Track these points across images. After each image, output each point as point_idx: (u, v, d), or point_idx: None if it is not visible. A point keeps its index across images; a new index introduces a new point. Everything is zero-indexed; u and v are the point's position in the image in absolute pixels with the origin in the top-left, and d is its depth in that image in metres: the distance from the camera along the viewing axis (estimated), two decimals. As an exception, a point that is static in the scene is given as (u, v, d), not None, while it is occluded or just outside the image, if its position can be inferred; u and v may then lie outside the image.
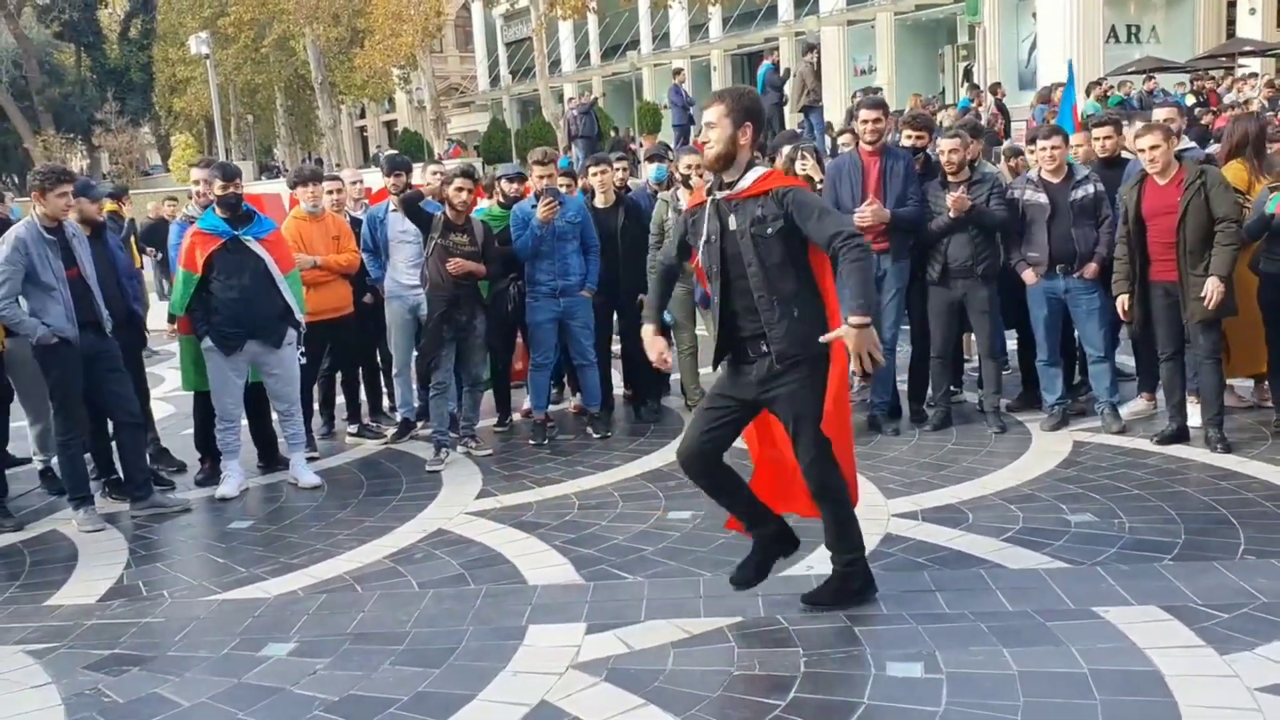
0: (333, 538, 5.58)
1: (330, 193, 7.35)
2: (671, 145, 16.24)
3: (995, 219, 6.44)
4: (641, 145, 19.43)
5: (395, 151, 16.25)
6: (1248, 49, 25.00)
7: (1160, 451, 6.04)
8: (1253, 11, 27.36)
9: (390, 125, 54.22)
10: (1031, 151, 6.97)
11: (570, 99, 25.57)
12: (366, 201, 8.42)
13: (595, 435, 7.23)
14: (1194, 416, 6.41)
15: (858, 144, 6.69)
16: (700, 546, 5.03)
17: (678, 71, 21.51)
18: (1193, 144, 6.46)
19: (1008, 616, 4.04)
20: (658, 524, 5.38)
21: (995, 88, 20.74)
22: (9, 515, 6.22)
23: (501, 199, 7.52)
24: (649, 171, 8.02)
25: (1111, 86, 20.33)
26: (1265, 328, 6.24)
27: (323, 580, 4.96)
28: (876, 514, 5.29)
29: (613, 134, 22.90)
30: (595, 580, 4.69)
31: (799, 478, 4.18)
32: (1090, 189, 6.34)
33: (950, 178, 6.50)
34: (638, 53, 35.16)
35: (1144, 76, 21.89)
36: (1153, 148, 5.89)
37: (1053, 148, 6.36)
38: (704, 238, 4.05)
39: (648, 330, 4.30)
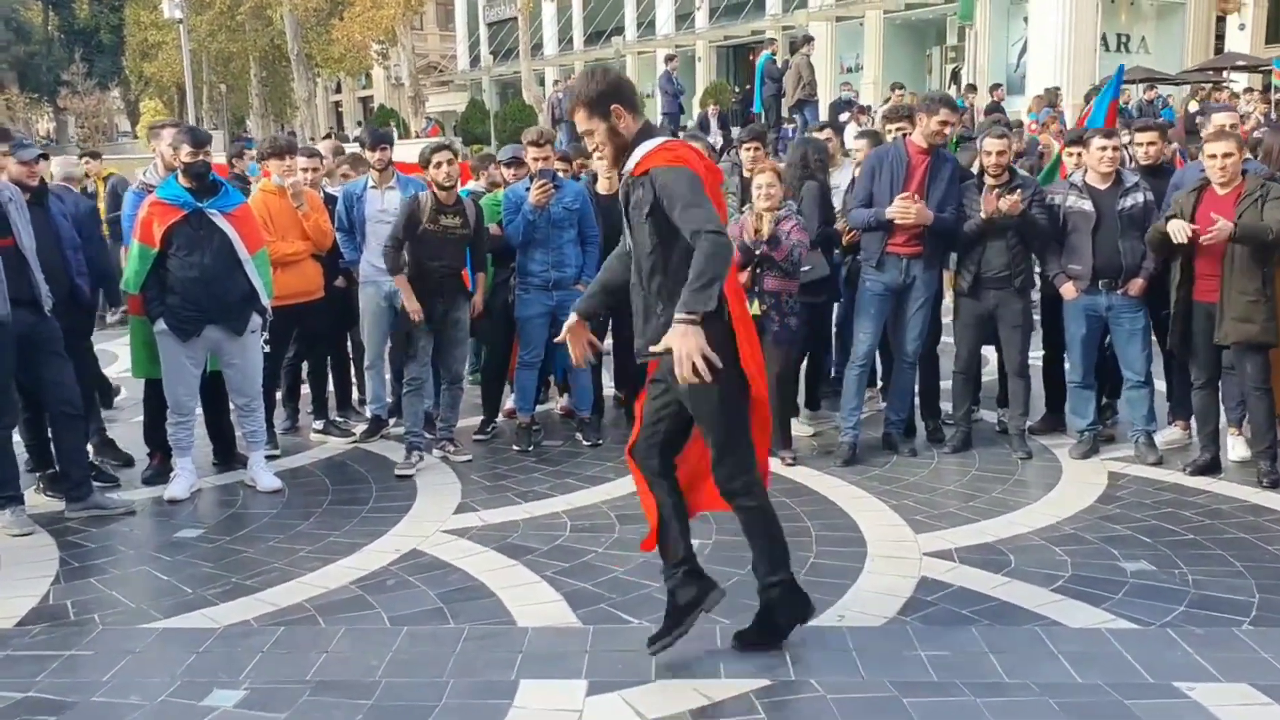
0: (293, 554, 4.94)
1: (306, 170, 6.67)
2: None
3: (1041, 227, 5.89)
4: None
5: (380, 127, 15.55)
6: (1240, 64, 24.80)
7: (1206, 489, 5.54)
8: (1242, 27, 27.24)
9: (366, 101, 53.24)
10: (1072, 154, 6.44)
11: (556, 82, 24.87)
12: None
13: (585, 442, 6.63)
14: (1233, 449, 5.95)
15: (905, 136, 6.11)
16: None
17: (670, 58, 20.93)
18: (1248, 155, 5.94)
19: (1078, 690, 3.49)
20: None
21: (995, 89, 20.26)
22: None
23: (502, 183, 6.88)
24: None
25: (1097, 90, 19.93)
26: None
27: (280, 609, 4.32)
28: (906, 551, 4.75)
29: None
30: (595, 624, 4.09)
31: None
32: (1140, 198, 5.81)
33: (991, 180, 5.95)
34: (622, 39, 34.50)
35: (1144, 85, 21.54)
36: (1225, 155, 5.38)
37: (1113, 149, 5.81)
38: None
39: (571, 319, 3.83)
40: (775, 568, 3.75)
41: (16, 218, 5.26)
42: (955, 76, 25.39)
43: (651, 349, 3.51)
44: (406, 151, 9.02)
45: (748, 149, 6.87)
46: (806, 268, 6.06)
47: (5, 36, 42.12)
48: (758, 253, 5.85)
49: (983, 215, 5.79)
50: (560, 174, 6.69)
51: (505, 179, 6.88)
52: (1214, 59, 26.19)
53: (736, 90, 28.26)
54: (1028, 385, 6.22)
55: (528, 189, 6.35)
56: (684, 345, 3.25)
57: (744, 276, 5.90)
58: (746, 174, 6.68)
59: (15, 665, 3.86)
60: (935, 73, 27.87)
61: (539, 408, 7.01)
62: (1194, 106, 18.76)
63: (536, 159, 6.55)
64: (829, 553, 4.75)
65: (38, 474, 5.91)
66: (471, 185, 8.10)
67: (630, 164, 3.55)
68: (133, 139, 43.20)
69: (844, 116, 15.18)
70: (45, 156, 5.85)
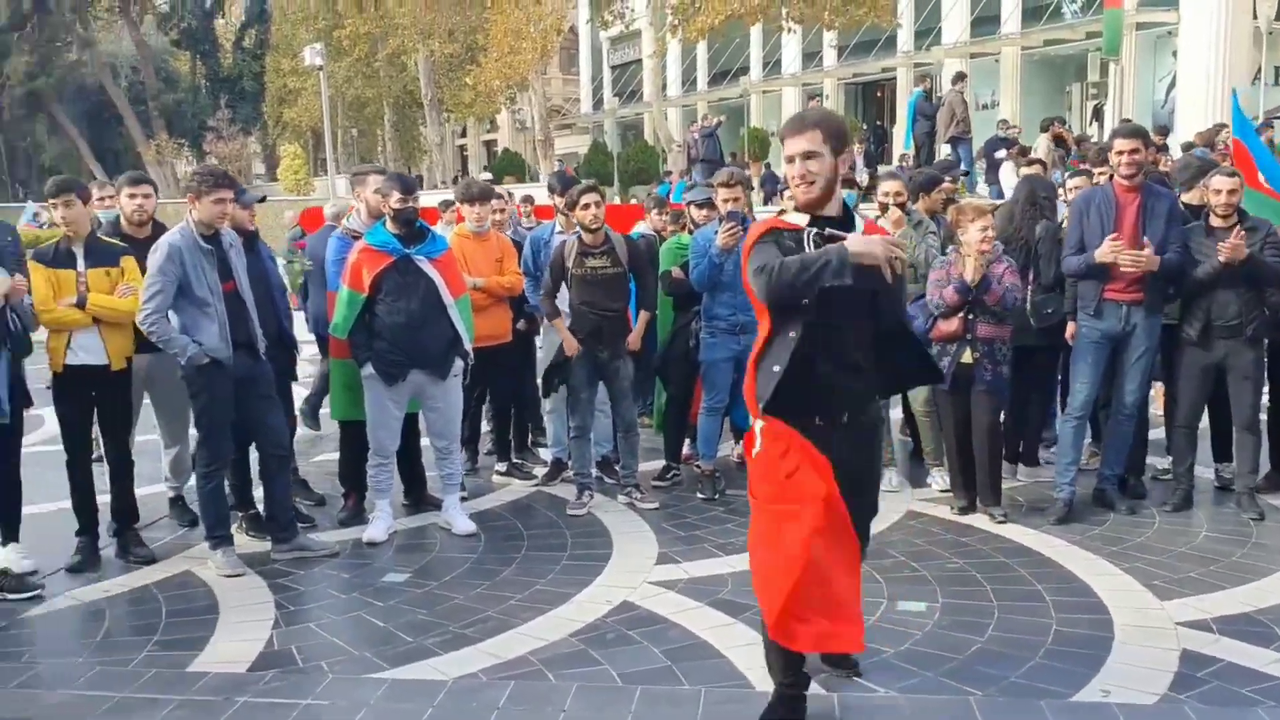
0: (504, 602, 4.87)
1: (496, 211, 6.70)
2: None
3: (1272, 271, 5.54)
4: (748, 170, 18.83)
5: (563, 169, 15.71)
6: None
7: None
8: None
9: (489, 145, 54.32)
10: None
11: (693, 123, 24.92)
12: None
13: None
14: None
15: (1111, 177, 5.83)
16: (953, 652, 4.19)
17: (812, 97, 20.76)
18: None
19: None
20: (887, 616, 4.57)
21: (1162, 130, 19.47)
22: (143, 545, 5.65)
23: (691, 226, 6.80)
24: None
25: (1270, 127, 19.05)
26: None
27: (505, 661, 4.24)
28: (1156, 620, 4.44)
29: (731, 158, 22.18)
30: (836, 690, 3.90)
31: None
32: None
33: (1219, 222, 5.62)
34: (748, 78, 34.46)
35: (1314, 121, 20.48)
36: None
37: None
38: None
39: None
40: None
41: (236, 263, 5.36)
42: (1098, 113, 24.62)
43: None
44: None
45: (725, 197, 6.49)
46: (1048, 310, 5.85)
47: (156, 85, 44.18)
48: (969, 298, 5.62)
49: (1221, 259, 5.46)
50: (749, 216, 6.58)
51: (695, 220, 6.79)
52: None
53: (865, 128, 27.94)
54: (1258, 441, 5.84)
55: (716, 232, 6.25)
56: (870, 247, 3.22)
57: (956, 323, 5.69)
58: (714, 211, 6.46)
59: (257, 713, 3.84)
60: (1075, 109, 27.07)
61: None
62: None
63: (726, 200, 6.44)
64: (1071, 620, 4.47)
65: (239, 514, 5.99)
66: (641, 227, 8.07)
67: (832, 209, 3.41)
68: (270, 181, 44.83)
69: (1000, 154, 14.78)
70: (263, 200, 5.96)
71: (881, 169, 14.74)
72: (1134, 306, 5.70)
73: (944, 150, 16.74)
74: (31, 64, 40.83)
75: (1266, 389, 6.22)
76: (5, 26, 40.29)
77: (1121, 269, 5.56)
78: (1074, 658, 4.09)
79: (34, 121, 46.01)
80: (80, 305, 5.30)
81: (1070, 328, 5.91)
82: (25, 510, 5.55)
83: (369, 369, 5.68)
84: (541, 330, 6.85)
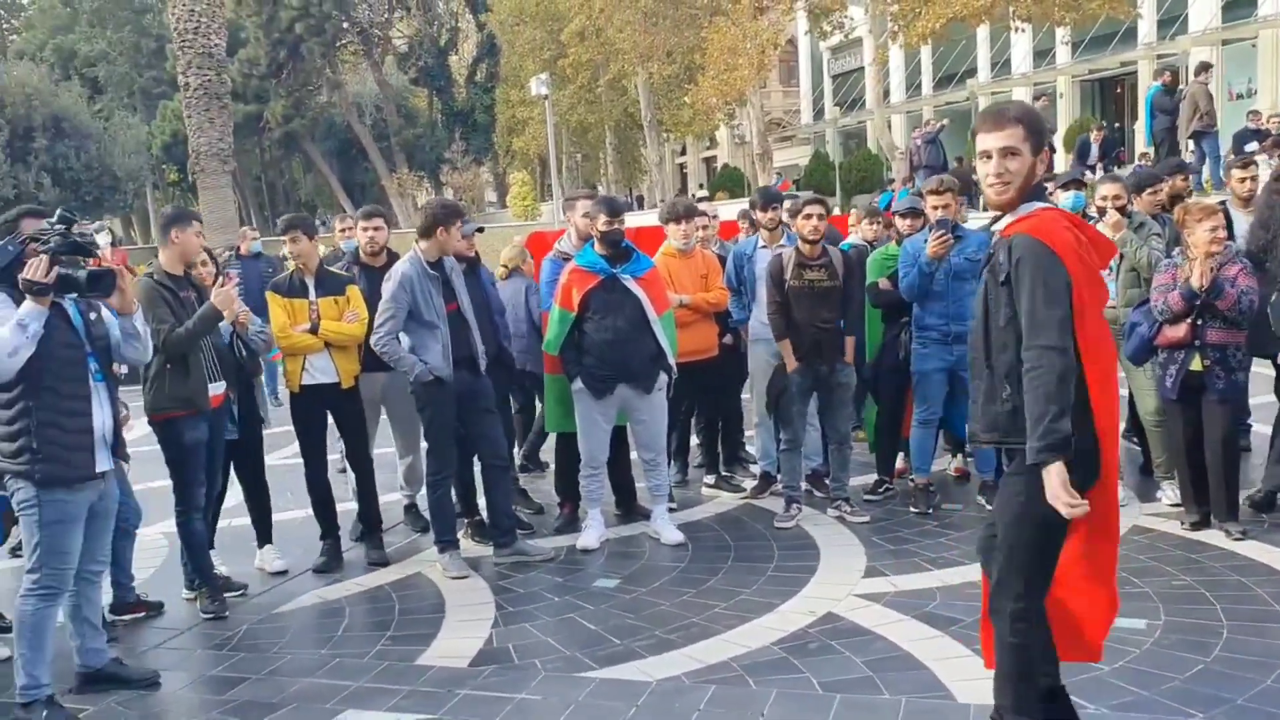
0: (709, 609, 4.98)
1: (701, 228, 6.86)
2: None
3: None
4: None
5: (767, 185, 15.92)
6: None
7: None
8: None
9: (709, 161, 54.93)
10: None
11: (915, 129, 24.42)
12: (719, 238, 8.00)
13: (989, 507, 6.25)
14: None
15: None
16: (1174, 672, 3.99)
17: (1038, 98, 19.97)
18: None
19: None
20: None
21: None
22: (379, 549, 6.11)
23: (897, 236, 6.74)
24: (1063, 200, 6.97)
25: None
26: None
27: (708, 665, 4.35)
28: None
29: (956, 164, 21.58)
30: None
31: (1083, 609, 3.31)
32: None
33: None
34: (976, 80, 33.42)
35: None
36: None
37: None
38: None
39: None
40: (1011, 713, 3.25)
41: (458, 285, 5.74)
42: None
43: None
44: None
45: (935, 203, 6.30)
46: None
47: (397, 121, 47.22)
48: (1197, 303, 5.32)
49: None
50: (962, 223, 6.46)
51: (900, 230, 6.73)
52: None
53: (1104, 125, 26.54)
54: None
55: (926, 241, 6.16)
56: (1053, 486, 2.93)
57: (1184, 329, 5.40)
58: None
59: (475, 704, 4.11)
60: (1345, 94, 24.81)
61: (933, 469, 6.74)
62: None
63: (937, 207, 6.35)
64: (1312, 643, 4.16)
65: (465, 521, 6.36)
66: (853, 239, 8.04)
67: (1004, 221, 3.18)
68: (500, 208, 46.97)
69: (1251, 147, 13.74)
70: (481, 230, 6.37)
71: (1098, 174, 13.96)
72: None
73: (1191, 146, 15.68)
74: (288, 107, 44.45)
75: None
76: (265, 74, 44.04)
77: None
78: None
79: (291, 160, 50.14)
80: (314, 331, 5.82)
81: None
82: (279, 516, 6.13)
83: (578, 384, 5.93)
84: (749, 344, 6.93)
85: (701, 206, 8.35)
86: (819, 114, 45.73)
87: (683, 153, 55.48)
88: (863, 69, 36.29)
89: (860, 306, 6.48)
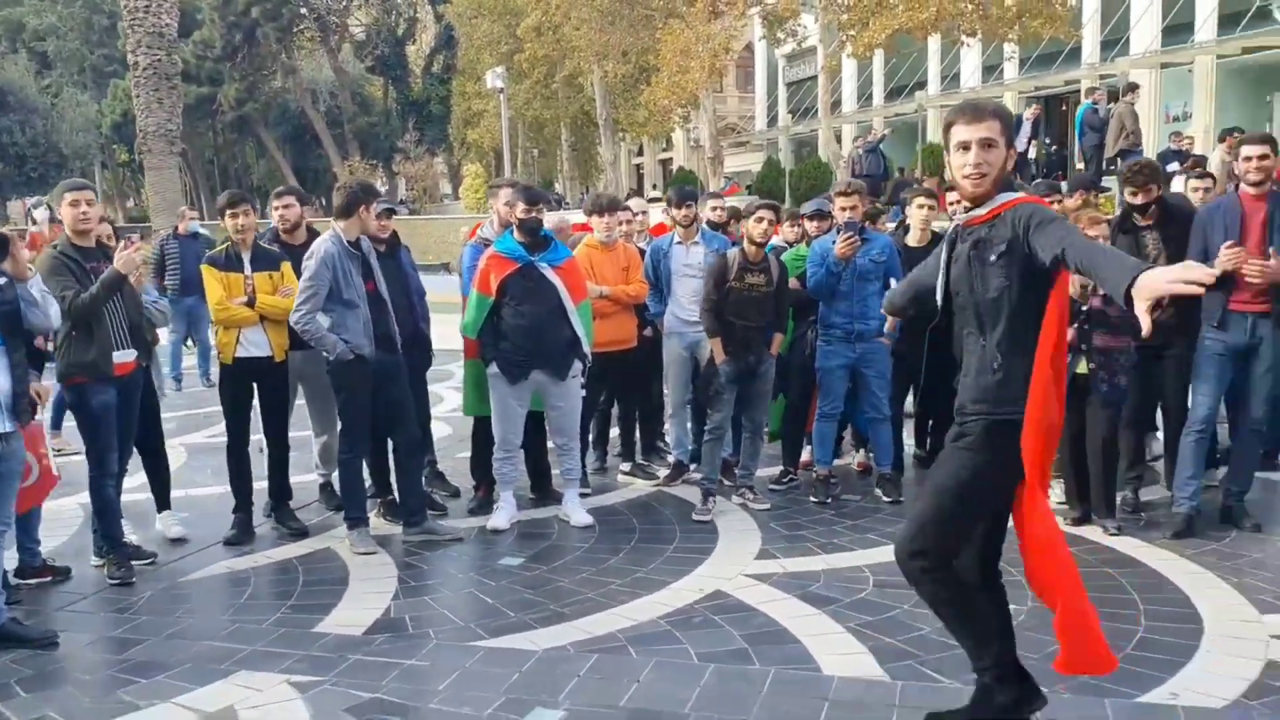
0: (605, 586, 5.17)
1: (623, 223, 7.05)
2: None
3: None
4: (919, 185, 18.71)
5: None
6: None
7: None
8: None
9: (665, 164, 55.19)
10: None
11: (857, 138, 24.83)
12: (649, 234, 8.19)
13: (885, 499, 6.53)
14: None
15: (1238, 186, 5.69)
16: (1031, 652, 4.20)
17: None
18: None
19: None
20: (972, 615, 4.62)
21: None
22: (295, 519, 6.24)
23: (801, 238, 6.98)
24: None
25: None
26: None
27: (594, 637, 4.53)
28: (1250, 632, 4.36)
29: (898, 174, 21.98)
30: (903, 679, 4.02)
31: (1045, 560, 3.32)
32: None
33: (1350, 232, 5.41)
34: (925, 93, 33.95)
35: None
36: None
37: None
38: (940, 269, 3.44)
39: None
40: (974, 655, 3.45)
41: (376, 266, 5.87)
42: (1301, 124, 23.16)
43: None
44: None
45: (920, 206, 6.67)
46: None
47: (351, 109, 46.99)
48: (1084, 307, 5.59)
49: None
50: (867, 226, 6.70)
51: (809, 231, 6.96)
52: None
53: (1047, 143, 27.10)
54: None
55: (834, 241, 6.38)
56: (1158, 284, 2.68)
57: (1070, 333, 5.66)
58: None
59: (365, 669, 4.25)
60: (1276, 120, 25.52)
61: (835, 461, 6.98)
62: None
63: (845, 209, 6.58)
64: (1159, 629, 4.43)
65: (378, 500, 6.49)
66: (775, 241, 8.25)
67: (985, 209, 3.27)
68: (454, 200, 46.92)
69: (1172, 167, 14.20)
70: (392, 213, 6.49)
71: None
72: (1261, 318, 5.54)
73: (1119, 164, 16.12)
74: (241, 91, 44.08)
75: None
76: (220, 56, 43.63)
77: (1246, 279, 5.41)
78: (1153, 663, 4.07)
79: (244, 144, 49.69)
80: (250, 304, 5.94)
81: None
82: (198, 492, 6.22)
83: (493, 367, 6.09)
84: (664, 337, 7.10)
85: (631, 203, 8.54)
86: (773, 121, 46.12)
87: (639, 153, 55.68)
88: (816, 77, 36.70)
89: (786, 306, 6.68)
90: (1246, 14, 26.10)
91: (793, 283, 6.68)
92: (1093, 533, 5.73)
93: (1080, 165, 17.80)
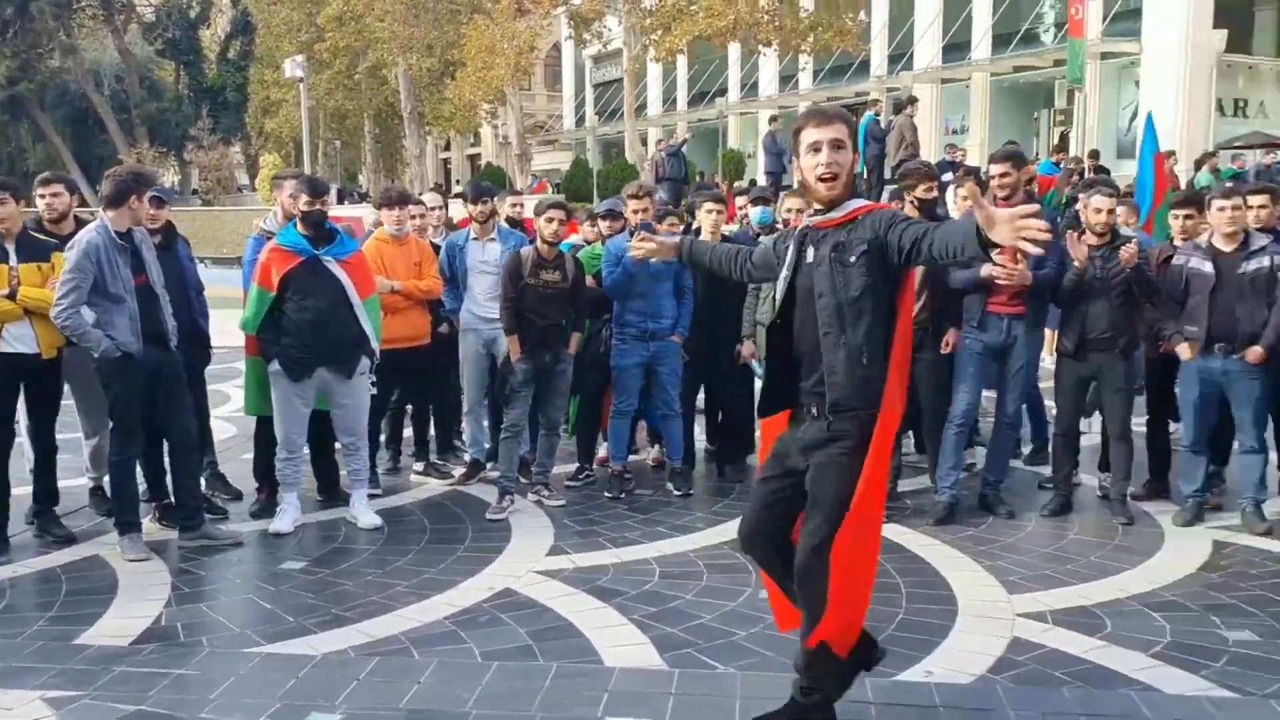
0: (390, 589, 5.09)
1: (415, 217, 6.96)
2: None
3: (1153, 285, 5.83)
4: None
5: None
6: (1366, 132, 24.07)
7: (1318, 561, 5.33)
8: (1367, 94, 26.48)
9: (474, 159, 54.65)
10: (1178, 216, 6.33)
11: (660, 141, 25.27)
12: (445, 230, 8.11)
13: (676, 492, 6.69)
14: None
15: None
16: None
17: (774, 119, 21.16)
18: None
19: (1174, 757, 3.41)
20: (749, 603, 4.81)
21: (1095, 154, 19.97)
22: (60, 526, 5.87)
23: (599, 237, 7.06)
24: (753, 214, 7.53)
25: (1214, 155, 19.51)
26: None
27: (376, 640, 4.46)
28: (999, 611, 4.69)
29: (699, 178, 22.51)
30: (680, 667, 4.14)
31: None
32: (1266, 261, 5.68)
33: (1095, 240, 5.90)
34: (725, 100, 34.89)
35: (1263, 150, 21.03)
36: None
37: (1232, 209, 5.72)
38: (783, 270, 3.53)
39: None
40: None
41: (149, 259, 5.59)
42: (1063, 140, 25.00)
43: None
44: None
45: (710, 211, 6.86)
46: None
47: (139, 94, 44.39)
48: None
49: (1076, 264, 5.74)
50: (669, 228, 6.84)
51: (602, 231, 7.06)
52: (1341, 125, 25.46)
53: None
54: (1130, 450, 6.09)
55: (629, 242, 6.49)
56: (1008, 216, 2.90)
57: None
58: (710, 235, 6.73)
59: (129, 681, 4.05)
60: (1043, 135, 27.49)
61: (631, 458, 7.12)
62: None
63: (636, 211, 6.71)
64: (918, 610, 4.72)
65: (154, 504, 6.18)
66: (573, 239, 8.32)
67: (840, 213, 3.39)
68: (250, 190, 45.03)
69: (947, 177, 15.12)
70: (164, 203, 6.18)
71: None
72: (1015, 319, 5.97)
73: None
74: (13, 69, 40.97)
75: (1148, 402, 6.52)
76: (-13, 32, 40.46)
77: (997, 282, 5.82)
78: (911, 643, 4.33)
79: (17, 127, 46.20)
80: (11, 297, 5.54)
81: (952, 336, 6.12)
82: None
83: (275, 365, 5.91)
84: (460, 333, 7.05)
85: (426, 198, 8.45)
86: (581, 121, 46.40)
87: (447, 147, 54.91)
88: (622, 80, 37.16)
89: (585, 305, 6.73)
90: (1016, 36, 28.04)
91: (589, 281, 6.76)
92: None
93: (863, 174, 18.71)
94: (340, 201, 19.33)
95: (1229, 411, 5.91)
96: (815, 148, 3.35)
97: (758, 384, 6.93)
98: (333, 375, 5.99)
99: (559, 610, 4.76)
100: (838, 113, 3.44)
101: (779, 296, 3.51)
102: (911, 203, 6.20)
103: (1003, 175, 5.83)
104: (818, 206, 3.47)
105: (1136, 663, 4.14)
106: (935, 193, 6.27)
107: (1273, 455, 6.06)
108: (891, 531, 5.83)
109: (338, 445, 6.41)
